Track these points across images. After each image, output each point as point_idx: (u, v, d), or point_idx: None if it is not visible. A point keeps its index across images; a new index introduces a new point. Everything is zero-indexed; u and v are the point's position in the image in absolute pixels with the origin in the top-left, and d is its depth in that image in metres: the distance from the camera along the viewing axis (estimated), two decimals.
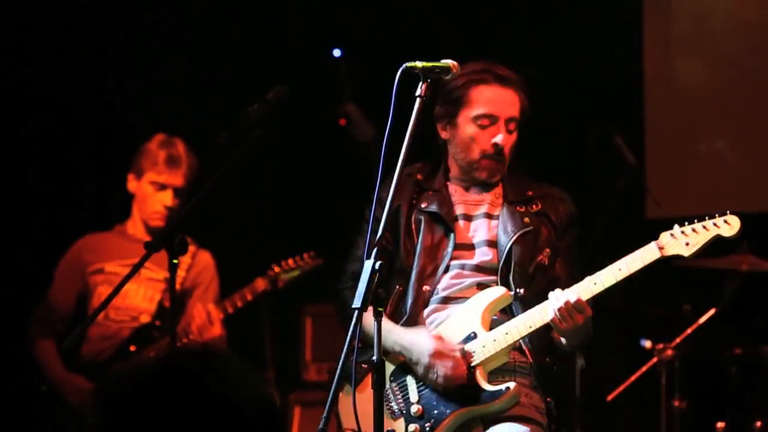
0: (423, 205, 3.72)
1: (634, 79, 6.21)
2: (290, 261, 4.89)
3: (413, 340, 3.56)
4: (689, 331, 5.18)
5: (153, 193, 4.86)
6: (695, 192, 6.12)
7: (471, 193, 3.76)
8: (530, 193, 3.74)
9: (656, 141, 6.21)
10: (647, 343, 5.27)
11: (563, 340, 3.57)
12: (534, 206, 3.71)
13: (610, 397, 5.41)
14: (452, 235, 3.68)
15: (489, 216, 3.72)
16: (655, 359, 5.24)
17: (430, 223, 3.71)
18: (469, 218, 3.73)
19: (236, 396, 1.64)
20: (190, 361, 1.67)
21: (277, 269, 4.86)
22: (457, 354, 3.52)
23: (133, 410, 1.62)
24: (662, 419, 5.21)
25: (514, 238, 3.63)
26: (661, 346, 5.21)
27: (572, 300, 3.39)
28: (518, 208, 3.70)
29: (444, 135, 3.76)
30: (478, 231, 3.70)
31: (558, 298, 3.42)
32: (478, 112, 3.67)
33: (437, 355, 3.51)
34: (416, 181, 3.77)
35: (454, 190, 3.77)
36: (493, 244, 3.67)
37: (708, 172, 6.16)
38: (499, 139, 3.66)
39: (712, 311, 5.17)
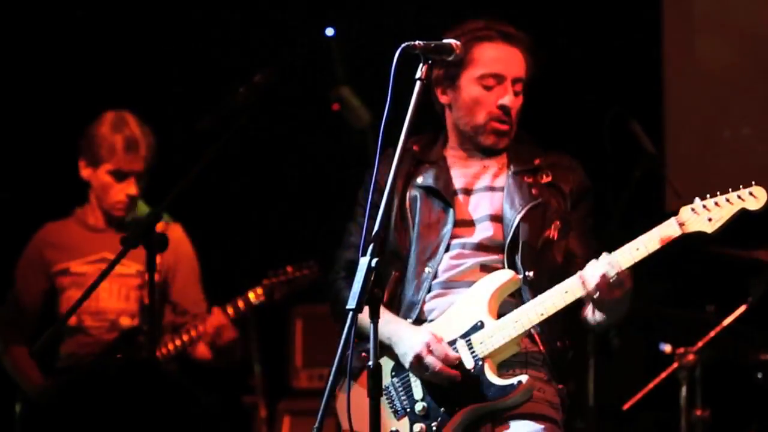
0: (419, 180, 3.70)
1: (652, 60, 6.20)
2: (288, 269, 4.81)
3: (405, 334, 3.54)
4: (712, 334, 5.17)
5: (113, 183, 4.81)
6: (719, 182, 6.03)
7: (472, 163, 3.73)
8: (538, 161, 3.71)
9: (677, 127, 6.20)
10: (667, 348, 5.27)
11: (597, 316, 3.50)
12: (543, 176, 3.68)
13: (626, 406, 5.40)
14: (451, 210, 3.65)
15: (491, 188, 3.69)
16: (675, 365, 5.23)
17: (426, 199, 3.68)
18: (468, 192, 3.70)
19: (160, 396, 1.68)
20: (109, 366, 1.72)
21: (274, 279, 4.77)
22: (449, 351, 3.49)
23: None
24: (683, 429, 5.21)
25: (523, 213, 3.60)
26: (681, 350, 5.20)
27: (611, 273, 3.34)
28: (526, 178, 3.67)
29: (444, 99, 3.73)
30: (480, 206, 3.67)
31: (594, 274, 3.35)
32: (482, 71, 3.66)
33: (426, 349, 3.47)
34: (413, 154, 3.74)
35: (453, 161, 3.75)
36: (496, 218, 3.64)
37: (733, 160, 6.15)
38: (506, 100, 3.65)
39: (737, 312, 5.17)
